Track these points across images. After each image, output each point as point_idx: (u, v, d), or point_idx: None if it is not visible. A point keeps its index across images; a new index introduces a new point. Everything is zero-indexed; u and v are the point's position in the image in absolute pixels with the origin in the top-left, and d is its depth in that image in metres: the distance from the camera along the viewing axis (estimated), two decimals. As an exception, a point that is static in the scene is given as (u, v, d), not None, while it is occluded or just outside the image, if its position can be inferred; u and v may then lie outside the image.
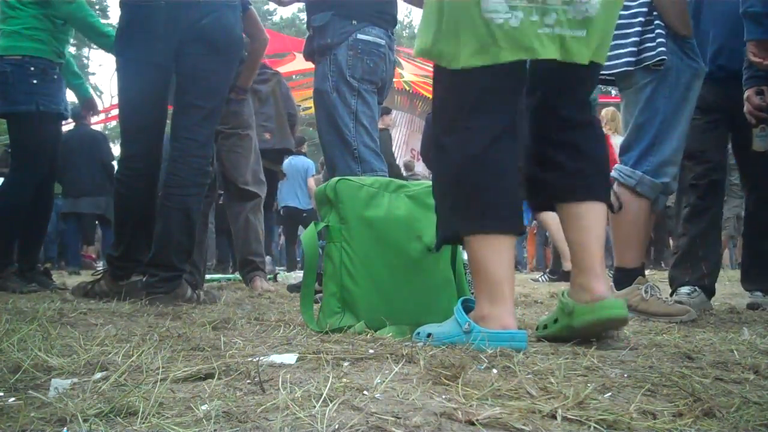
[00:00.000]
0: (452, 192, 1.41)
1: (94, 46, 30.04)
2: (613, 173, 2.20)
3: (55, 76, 3.18)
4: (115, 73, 2.52)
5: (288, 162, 7.45)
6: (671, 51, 2.09)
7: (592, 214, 1.44)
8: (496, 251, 1.34)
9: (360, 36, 2.55)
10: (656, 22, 2.08)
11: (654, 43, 2.06)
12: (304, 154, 7.69)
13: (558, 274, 5.43)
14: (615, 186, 2.21)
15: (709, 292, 2.40)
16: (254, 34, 3.44)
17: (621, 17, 2.14)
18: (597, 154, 1.49)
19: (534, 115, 1.52)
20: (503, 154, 1.38)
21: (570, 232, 1.46)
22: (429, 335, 1.37)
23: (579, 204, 1.44)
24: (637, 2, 2.11)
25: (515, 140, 1.42)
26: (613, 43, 2.17)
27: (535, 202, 1.57)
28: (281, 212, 7.58)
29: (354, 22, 2.55)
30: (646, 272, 2.34)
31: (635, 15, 2.11)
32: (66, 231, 7.41)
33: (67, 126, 6.97)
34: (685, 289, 2.34)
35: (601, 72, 2.20)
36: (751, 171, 2.57)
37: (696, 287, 2.34)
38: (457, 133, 1.39)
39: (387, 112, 6.94)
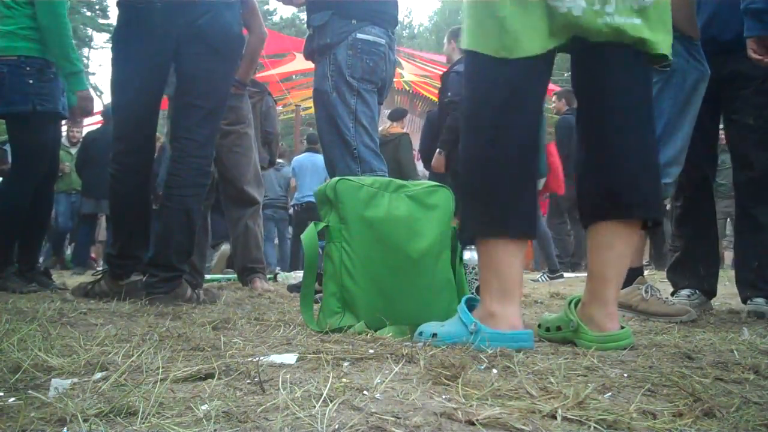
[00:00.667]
0: (473, 194, 1.42)
1: (95, 46, 30.14)
2: None
3: (52, 76, 3.18)
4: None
5: (308, 158, 7.46)
6: (677, 53, 2.07)
7: (617, 237, 1.39)
8: (511, 254, 1.36)
9: (359, 35, 2.55)
10: None
11: None
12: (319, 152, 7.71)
13: (557, 272, 5.43)
14: None
15: (710, 293, 2.37)
16: (252, 26, 3.42)
17: None
18: (625, 165, 1.42)
19: (581, 117, 1.50)
20: (526, 161, 1.39)
21: (594, 260, 1.43)
22: (433, 335, 1.37)
23: (603, 224, 1.41)
24: None
25: (537, 148, 1.42)
26: None
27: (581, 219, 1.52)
28: (298, 207, 7.55)
29: (354, 21, 2.55)
30: (646, 272, 2.33)
31: None
32: (80, 231, 7.44)
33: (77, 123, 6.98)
34: (685, 292, 2.32)
35: None
36: (741, 146, 2.32)
37: (696, 290, 2.32)
38: (487, 129, 1.39)
39: (404, 114, 6.88)
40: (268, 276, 4.11)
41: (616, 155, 1.41)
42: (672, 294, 2.37)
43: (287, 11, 34.42)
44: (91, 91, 3.11)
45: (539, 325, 1.54)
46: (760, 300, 2.23)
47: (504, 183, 1.37)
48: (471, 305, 1.40)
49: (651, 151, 1.46)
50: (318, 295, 1.79)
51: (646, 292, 2.08)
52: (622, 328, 1.39)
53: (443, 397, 0.85)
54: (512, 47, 1.34)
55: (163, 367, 1.00)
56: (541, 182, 4.73)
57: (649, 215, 1.42)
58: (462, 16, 1.49)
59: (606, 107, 1.43)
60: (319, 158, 7.44)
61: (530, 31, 1.34)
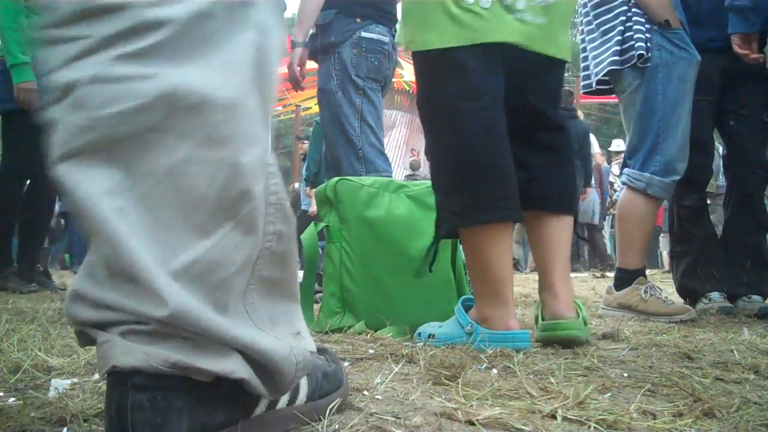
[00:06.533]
0: (450, 183, 1.36)
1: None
2: (622, 178, 2.17)
3: None
4: None
5: None
6: (658, 46, 2.05)
7: (561, 229, 1.43)
8: (495, 246, 1.32)
9: (364, 34, 2.54)
10: (635, 18, 2.06)
11: (633, 41, 2.05)
12: None
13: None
14: (625, 191, 2.18)
15: (732, 295, 2.23)
16: None
17: (605, 20, 2.14)
18: (569, 161, 1.50)
19: (508, 111, 1.44)
20: (498, 142, 1.33)
21: (536, 246, 1.45)
22: (431, 336, 1.37)
23: (550, 217, 1.43)
24: (619, 1, 2.10)
25: (505, 128, 1.36)
26: (600, 48, 2.17)
27: None
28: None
29: (358, 20, 2.55)
30: (647, 272, 2.31)
31: (617, 15, 2.10)
32: (69, 230, 7.45)
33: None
34: (714, 295, 2.20)
35: (594, 77, 2.21)
36: (754, 143, 2.24)
37: (722, 291, 2.20)
38: (450, 118, 1.35)
39: None
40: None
41: (559, 158, 1.47)
42: (693, 301, 2.23)
43: (287, 12, 34.43)
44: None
45: None
46: (757, 297, 2.19)
47: (477, 168, 1.32)
48: (467, 306, 1.39)
49: None
50: (318, 295, 1.79)
51: (646, 292, 2.08)
52: (581, 318, 1.37)
53: (443, 397, 0.85)
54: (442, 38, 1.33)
55: (163, 367, 1.00)
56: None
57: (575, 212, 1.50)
58: (401, 22, 1.44)
59: (532, 107, 1.45)
60: None
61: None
